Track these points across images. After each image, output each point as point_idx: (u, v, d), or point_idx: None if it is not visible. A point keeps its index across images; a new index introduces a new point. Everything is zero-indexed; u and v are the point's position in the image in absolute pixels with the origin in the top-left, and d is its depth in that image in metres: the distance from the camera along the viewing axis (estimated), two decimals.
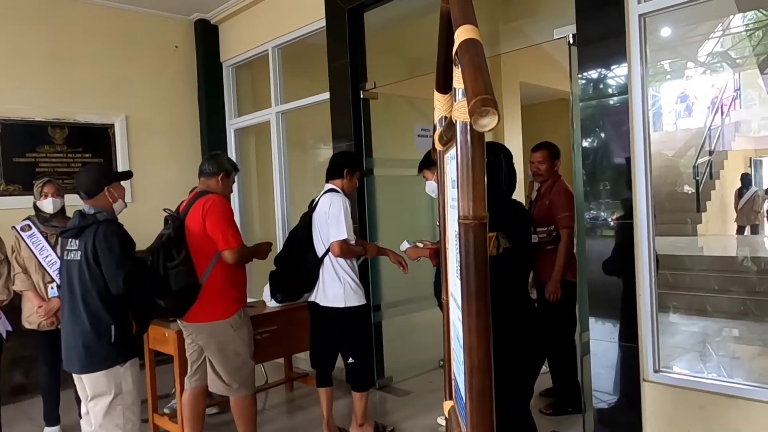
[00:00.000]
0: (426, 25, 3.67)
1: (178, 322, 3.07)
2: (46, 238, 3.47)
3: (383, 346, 4.36)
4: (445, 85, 1.47)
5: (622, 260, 2.81)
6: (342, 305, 3.15)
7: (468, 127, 0.98)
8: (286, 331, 3.65)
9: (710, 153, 8.95)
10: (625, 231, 2.81)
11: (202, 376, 3.08)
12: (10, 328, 3.41)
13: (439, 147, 1.60)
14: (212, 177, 3.03)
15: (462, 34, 1.03)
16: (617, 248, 2.85)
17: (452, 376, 1.55)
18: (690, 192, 8.53)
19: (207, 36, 5.63)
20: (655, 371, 2.76)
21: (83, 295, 2.46)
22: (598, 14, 2.83)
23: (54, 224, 3.45)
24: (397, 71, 4.54)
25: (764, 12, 7.94)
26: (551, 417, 3.55)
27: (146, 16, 5.30)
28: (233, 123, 5.72)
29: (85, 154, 4.93)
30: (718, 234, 8.55)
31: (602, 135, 2.92)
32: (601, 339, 2.90)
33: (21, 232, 3.46)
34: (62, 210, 3.53)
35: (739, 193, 8.94)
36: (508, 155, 2.31)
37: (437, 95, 1.57)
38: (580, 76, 2.93)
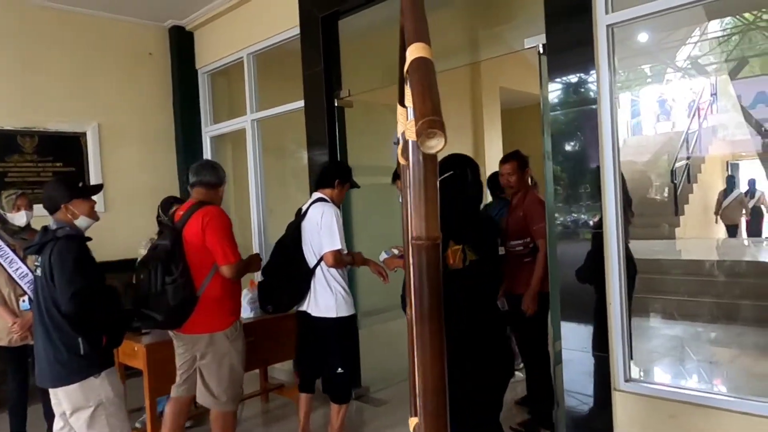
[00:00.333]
0: None
1: (170, 333, 3.01)
2: (14, 251, 3.39)
3: (360, 355, 4.32)
4: (404, 100, 1.45)
5: (593, 268, 2.81)
6: (334, 315, 3.13)
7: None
8: (262, 343, 3.62)
9: (688, 157, 9.06)
10: (595, 239, 2.82)
11: (191, 386, 3.02)
12: None
13: (402, 161, 1.58)
14: (213, 188, 2.98)
15: (413, 52, 1.01)
16: (588, 256, 2.85)
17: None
18: (666, 197, 8.63)
19: (182, 42, 5.57)
20: (626, 380, 2.77)
21: (47, 310, 2.42)
22: (567, 24, 2.85)
23: (23, 237, 3.37)
24: (375, 79, 4.52)
25: (740, 18, 8.06)
26: None
27: (119, 22, 5.23)
28: (209, 130, 5.66)
29: (56, 163, 4.82)
30: (696, 237, 8.65)
31: (572, 142, 2.94)
32: (574, 348, 2.90)
33: None
34: (28, 223, 3.45)
35: (724, 194, 9.05)
36: (474, 167, 2.31)
37: (400, 108, 1.55)
38: (550, 84, 2.95)
